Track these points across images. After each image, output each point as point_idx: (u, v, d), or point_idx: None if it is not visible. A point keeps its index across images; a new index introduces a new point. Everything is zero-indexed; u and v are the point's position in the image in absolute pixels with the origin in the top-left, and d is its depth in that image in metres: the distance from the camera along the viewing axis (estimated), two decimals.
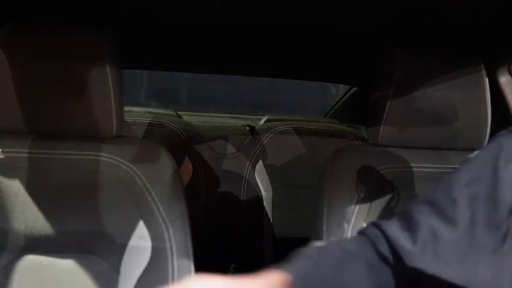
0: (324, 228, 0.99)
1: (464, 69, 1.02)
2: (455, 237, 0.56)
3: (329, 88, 2.94)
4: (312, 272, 0.59)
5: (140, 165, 0.96)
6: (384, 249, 0.61)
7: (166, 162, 0.99)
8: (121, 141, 0.99)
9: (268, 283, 0.55)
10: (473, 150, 1.00)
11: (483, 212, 0.57)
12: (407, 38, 1.10)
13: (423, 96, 1.01)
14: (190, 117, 2.08)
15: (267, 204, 1.66)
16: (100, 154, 0.96)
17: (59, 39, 0.93)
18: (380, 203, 1.00)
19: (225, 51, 1.48)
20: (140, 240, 0.93)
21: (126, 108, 1.52)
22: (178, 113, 2.09)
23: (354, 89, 2.04)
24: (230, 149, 1.74)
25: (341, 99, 2.21)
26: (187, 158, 1.68)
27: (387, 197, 1.01)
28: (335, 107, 2.25)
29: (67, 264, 0.93)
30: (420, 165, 1.04)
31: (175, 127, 1.72)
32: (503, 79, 1.15)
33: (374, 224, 0.65)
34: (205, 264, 0.91)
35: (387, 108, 1.01)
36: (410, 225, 0.60)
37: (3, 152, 0.94)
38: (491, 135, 1.02)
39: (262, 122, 1.93)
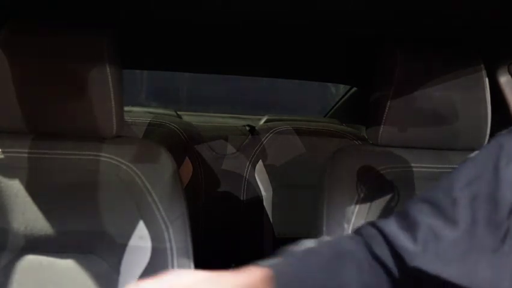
0: (324, 228, 0.99)
1: (464, 69, 1.02)
2: (455, 237, 0.56)
3: (329, 88, 2.94)
4: (295, 270, 0.58)
5: (140, 165, 0.96)
6: (380, 249, 0.61)
7: (166, 162, 0.99)
8: (121, 141, 0.99)
9: (249, 278, 0.55)
10: (473, 150, 1.00)
11: (483, 211, 0.57)
12: (407, 38, 1.10)
13: (423, 96, 1.01)
14: (190, 117, 2.08)
15: (267, 204, 1.66)
16: (100, 154, 0.96)
17: (59, 39, 0.93)
18: (380, 203, 1.00)
19: (225, 51, 1.48)
20: (140, 240, 0.93)
21: (126, 108, 1.52)
22: (178, 113, 2.09)
23: (354, 89, 2.04)
24: (230, 149, 1.74)
25: (341, 99, 2.21)
26: (187, 158, 1.68)
27: (387, 197, 1.01)
28: (335, 107, 2.25)
29: (67, 264, 0.93)
30: (420, 165, 1.04)
31: (175, 127, 1.72)
32: (503, 79, 1.15)
33: (371, 224, 0.65)
34: (205, 264, 0.91)
35: (387, 108, 1.01)
36: (409, 225, 0.60)
37: (3, 152, 0.94)
38: (491, 135, 1.02)
39: (262, 122, 1.93)
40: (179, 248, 0.94)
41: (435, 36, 1.13)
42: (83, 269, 0.93)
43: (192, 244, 0.96)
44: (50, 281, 0.92)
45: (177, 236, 0.94)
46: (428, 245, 0.57)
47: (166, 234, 0.93)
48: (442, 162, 1.04)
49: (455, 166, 0.63)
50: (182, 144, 1.69)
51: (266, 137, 1.70)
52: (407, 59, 1.02)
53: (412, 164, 1.04)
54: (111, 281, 0.92)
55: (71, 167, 0.95)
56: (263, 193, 1.67)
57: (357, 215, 0.99)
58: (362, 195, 1.00)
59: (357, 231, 0.66)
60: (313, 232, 1.03)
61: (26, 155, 0.95)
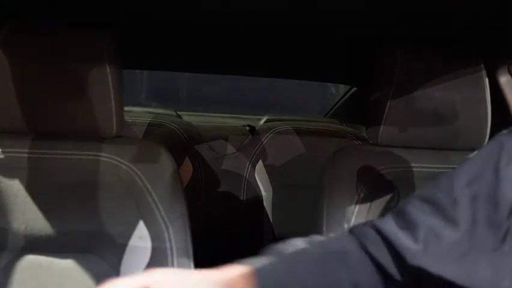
0: (324, 228, 0.99)
1: (464, 69, 1.02)
2: (456, 237, 0.56)
3: (329, 88, 2.94)
4: (278, 269, 0.58)
5: (140, 165, 0.96)
6: (376, 249, 0.60)
7: (166, 162, 0.99)
8: (121, 141, 0.99)
9: (229, 276, 0.55)
10: (473, 150, 1.00)
11: (484, 211, 0.57)
12: (407, 38, 1.10)
13: (423, 96, 1.01)
14: (190, 117, 2.08)
15: (267, 204, 1.66)
16: (100, 154, 0.96)
17: (59, 39, 0.93)
18: (380, 203, 1.00)
19: (225, 51, 1.48)
20: (140, 240, 0.93)
21: (126, 108, 1.52)
22: (178, 113, 2.09)
23: (354, 89, 2.04)
24: (230, 149, 1.74)
25: (341, 99, 2.21)
26: (187, 158, 1.68)
27: (387, 197, 1.01)
28: (335, 107, 2.25)
29: (67, 264, 0.93)
30: (420, 165, 1.04)
31: (175, 127, 1.72)
32: (503, 79, 1.15)
33: (366, 223, 0.64)
34: (205, 264, 0.91)
35: (387, 108, 1.01)
36: (408, 224, 0.59)
37: (3, 152, 0.94)
38: (491, 135, 1.02)
39: (262, 122, 1.93)
40: (179, 248, 0.94)
41: (435, 36, 1.13)
42: (83, 269, 0.93)
43: (192, 244, 0.96)
44: (50, 281, 0.92)
45: (177, 236, 0.94)
46: (429, 245, 0.57)
47: (166, 234, 0.93)
48: (442, 162, 1.04)
49: (455, 166, 0.63)
50: (182, 144, 1.69)
51: (266, 137, 1.70)
52: (407, 59, 1.02)
53: (412, 164, 1.04)
54: None
55: (71, 167, 0.95)
56: (263, 193, 1.67)
57: (357, 215, 0.99)
58: (362, 195, 1.00)
59: (351, 231, 0.65)
60: (313, 232, 1.03)
61: (26, 155, 0.95)
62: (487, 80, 1.03)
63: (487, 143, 0.63)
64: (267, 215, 1.65)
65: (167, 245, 0.93)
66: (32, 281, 0.92)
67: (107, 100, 0.94)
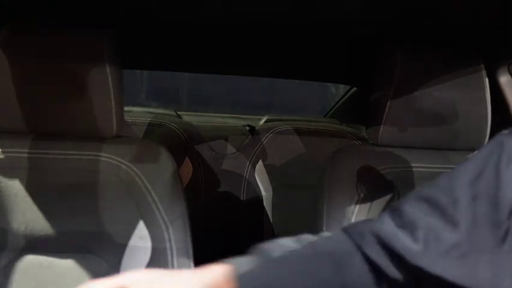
0: (324, 228, 0.99)
1: (464, 69, 1.02)
2: (456, 237, 0.56)
3: (329, 88, 2.94)
4: (261, 272, 0.58)
5: (140, 165, 0.96)
6: (372, 249, 0.60)
7: (166, 162, 0.99)
8: (121, 141, 0.99)
9: (209, 276, 0.55)
10: (473, 150, 1.00)
11: (484, 211, 0.56)
12: (407, 38, 1.10)
13: (423, 96, 1.01)
14: (190, 117, 2.08)
15: (267, 204, 1.66)
16: (100, 154, 0.96)
17: (59, 39, 0.93)
18: (380, 203, 1.00)
19: (225, 51, 1.48)
20: (140, 240, 0.93)
21: (126, 108, 1.52)
22: (178, 113, 2.09)
23: (354, 89, 2.04)
24: (230, 149, 1.74)
25: (341, 99, 2.21)
26: (187, 158, 1.68)
27: (387, 197, 1.01)
28: (335, 107, 2.25)
29: (67, 264, 0.93)
30: (420, 165, 1.04)
31: (175, 127, 1.72)
32: (503, 79, 1.15)
33: (363, 223, 0.64)
34: (205, 264, 0.91)
35: (387, 108, 1.01)
36: (407, 224, 0.59)
37: (3, 152, 0.94)
38: (491, 135, 1.02)
39: (262, 122, 1.93)
40: (179, 247, 0.94)
41: (435, 36, 1.13)
42: (83, 269, 0.93)
43: (192, 244, 0.96)
44: (50, 281, 0.92)
45: (177, 236, 0.94)
46: (429, 245, 0.57)
47: (166, 234, 0.93)
48: (442, 162, 1.04)
49: (455, 166, 0.63)
50: (182, 144, 1.69)
51: (266, 137, 1.70)
52: (407, 59, 1.02)
53: (412, 164, 1.04)
54: None
55: (71, 167, 0.95)
56: (263, 193, 1.67)
57: (357, 215, 0.99)
58: (362, 195, 1.00)
59: (345, 231, 0.64)
60: (313, 232, 1.03)
61: (26, 155, 0.95)
62: (487, 80, 1.03)
63: (487, 143, 0.63)
64: (267, 215, 1.65)
65: (167, 245, 0.93)
66: (32, 281, 0.92)
67: (107, 100, 0.94)
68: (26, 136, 0.96)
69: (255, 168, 1.69)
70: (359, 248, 0.60)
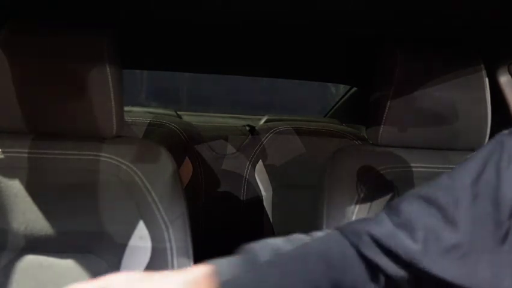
0: (324, 228, 0.99)
1: (464, 69, 1.02)
2: (456, 237, 0.56)
3: (329, 88, 2.94)
4: (242, 268, 0.57)
5: (140, 165, 0.96)
6: (370, 249, 0.59)
7: (166, 162, 0.99)
8: (121, 141, 0.99)
9: (189, 276, 0.55)
10: (473, 150, 1.00)
11: (484, 211, 0.56)
12: (407, 38, 1.10)
13: (423, 96, 1.01)
14: (190, 117, 2.08)
15: (267, 204, 1.66)
16: (100, 154, 0.96)
17: (59, 39, 0.93)
18: (380, 203, 1.00)
19: (225, 51, 1.48)
20: (140, 240, 0.93)
21: (126, 108, 1.52)
22: (178, 113, 2.09)
23: (354, 89, 2.04)
24: (230, 149, 1.74)
25: (341, 99, 2.21)
26: (187, 158, 1.68)
27: (387, 197, 1.01)
28: (335, 107, 2.25)
29: (67, 264, 0.93)
30: (420, 165, 1.04)
31: (175, 127, 1.72)
32: (503, 79, 1.15)
33: (360, 224, 0.63)
34: None
35: (387, 108, 1.01)
36: (406, 224, 0.59)
37: (3, 152, 0.94)
38: (491, 135, 1.02)
39: (262, 122, 1.93)
40: (179, 247, 0.94)
41: (435, 36, 1.13)
42: (83, 269, 0.93)
43: (192, 244, 0.96)
44: (50, 281, 0.92)
45: (177, 236, 0.94)
46: (429, 245, 0.57)
47: (166, 234, 0.93)
48: (442, 162, 1.04)
49: (455, 166, 0.63)
50: (182, 144, 1.69)
51: (266, 137, 1.70)
52: (407, 59, 1.02)
53: (412, 164, 1.04)
54: None
55: (71, 167, 0.95)
56: (263, 193, 1.67)
57: (357, 215, 0.99)
58: (362, 195, 1.00)
59: (340, 230, 0.63)
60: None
61: (26, 155, 0.95)
62: (487, 80, 1.03)
63: (487, 143, 0.63)
64: (267, 215, 1.65)
65: (167, 245, 0.93)
66: (32, 281, 0.92)
67: (107, 100, 0.94)
68: (26, 136, 0.96)
69: (255, 168, 1.69)
70: (356, 249, 0.60)
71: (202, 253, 1.03)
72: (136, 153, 0.97)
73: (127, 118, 1.59)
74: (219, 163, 1.72)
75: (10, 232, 0.92)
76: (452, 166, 1.02)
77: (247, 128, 1.86)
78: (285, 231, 0.64)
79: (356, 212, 0.99)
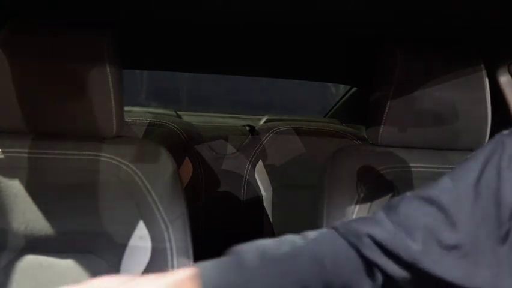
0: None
1: (464, 69, 1.02)
2: (456, 237, 0.56)
3: (329, 88, 2.94)
4: (227, 270, 0.57)
5: (140, 165, 0.96)
6: (371, 251, 0.59)
7: (166, 162, 0.99)
8: (121, 141, 0.99)
9: (173, 279, 0.55)
10: (473, 150, 1.00)
11: (485, 212, 0.56)
12: (407, 38, 1.10)
13: (423, 96, 1.01)
14: (190, 117, 2.08)
15: (267, 204, 1.66)
16: (100, 154, 0.96)
17: (59, 39, 0.93)
18: (380, 203, 1.00)
19: (225, 51, 1.48)
20: (140, 240, 0.93)
21: (126, 108, 1.52)
22: (178, 113, 2.09)
23: (354, 89, 2.04)
24: (230, 149, 1.74)
25: (341, 99, 2.21)
26: (187, 158, 1.68)
27: (387, 197, 1.01)
28: (335, 107, 2.25)
29: (67, 264, 0.93)
30: (420, 165, 1.04)
31: (175, 127, 1.72)
32: (503, 79, 1.15)
33: (356, 222, 0.63)
34: None
35: (387, 108, 1.01)
36: (406, 224, 0.59)
37: (3, 152, 0.94)
38: (491, 135, 1.02)
39: (262, 122, 1.93)
40: (179, 247, 0.94)
41: (435, 36, 1.13)
42: (83, 269, 0.93)
43: (192, 244, 0.96)
44: (50, 281, 0.92)
45: (177, 236, 0.94)
46: (429, 245, 0.57)
47: (166, 234, 0.93)
48: (442, 162, 1.04)
49: (454, 166, 0.63)
50: (182, 144, 1.69)
51: (266, 137, 1.70)
52: (407, 59, 1.02)
53: (412, 164, 1.04)
54: None
55: (71, 167, 0.95)
56: (263, 193, 1.67)
57: (357, 215, 0.99)
58: (362, 195, 1.00)
59: (338, 231, 0.63)
60: None
61: (26, 155, 0.95)
62: (487, 80, 1.03)
63: (488, 143, 0.63)
64: (267, 215, 1.65)
65: (167, 245, 0.93)
66: (32, 281, 0.92)
67: (107, 100, 0.94)
68: (26, 136, 0.96)
69: (255, 168, 1.69)
70: (357, 250, 0.60)
71: (202, 253, 1.03)
72: (136, 153, 0.97)
73: (127, 118, 1.59)
74: (219, 163, 1.72)
75: (10, 232, 0.92)
76: (452, 166, 1.02)
77: (247, 128, 1.86)
78: (285, 231, 0.64)
79: (356, 212, 0.99)
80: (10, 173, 0.93)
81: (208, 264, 0.58)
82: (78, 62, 0.92)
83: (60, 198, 0.94)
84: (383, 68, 1.05)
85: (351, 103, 2.09)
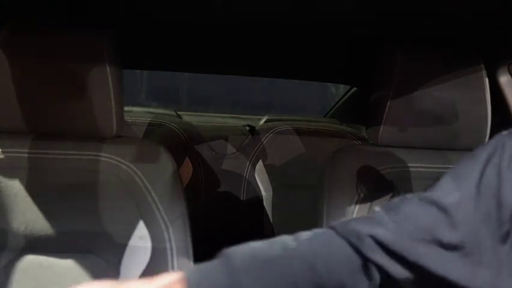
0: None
1: (464, 69, 1.02)
2: (457, 237, 0.56)
3: (329, 88, 2.94)
4: (216, 272, 0.57)
5: (140, 165, 0.96)
6: (374, 252, 0.59)
7: (166, 162, 0.99)
8: (121, 141, 0.99)
9: (161, 283, 0.55)
10: (472, 150, 1.00)
11: (485, 212, 0.57)
12: (407, 38, 1.10)
13: (423, 96, 1.01)
14: (190, 117, 2.08)
15: (267, 204, 1.66)
16: (100, 154, 0.96)
17: (59, 39, 0.93)
18: (380, 203, 1.00)
19: (225, 51, 1.48)
20: (140, 240, 0.93)
21: (126, 108, 1.52)
22: (178, 113, 2.09)
23: (354, 89, 2.04)
24: (230, 149, 1.74)
25: (341, 99, 2.21)
26: (187, 158, 1.68)
27: (387, 197, 1.01)
28: (335, 107, 2.25)
29: (67, 264, 0.93)
30: (420, 165, 1.04)
31: (175, 127, 1.72)
32: (503, 79, 1.15)
33: (355, 222, 0.62)
34: None
35: (387, 108, 1.01)
36: (407, 224, 0.59)
37: (3, 152, 0.94)
38: (491, 135, 1.02)
39: (262, 122, 1.93)
40: (179, 247, 0.94)
41: (435, 36, 1.13)
42: (83, 269, 0.93)
43: (192, 244, 0.96)
44: (50, 281, 0.92)
45: (177, 236, 0.94)
46: (431, 245, 0.57)
47: (166, 234, 0.93)
48: (442, 162, 1.04)
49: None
50: (182, 144, 1.69)
51: (266, 137, 1.70)
52: (407, 59, 1.02)
53: (412, 164, 1.04)
54: None
55: (71, 167, 0.95)
56: (263, 193, 1.67)
57: (357, 215, 0.99)
58: (362, 195, 1.00)
59: (336, 231, 0.63)
60: None
61: (26, 155, 0.95)
62: (487, 80, 1.03)
63: (488, 143, 0.63)
64: (267, 215, 1.65)
65: (167, 245, 0.93)
66: (32, 281, 0.92)
67: (107, 100, 0.94)
68: (26, 136, 0.96)
69: (255, 168, 1.69)
70: (356, 250, 0.60)
71: (202, 253, 1.03)
72: (136, 153, 0.97)
73: (127, 118, 1.59)
74: (219, 163, 1.72)
75: (10, 232, 0.92)
76: (451, 166, 1.02)
77: (247, 128, 1.86)
78: (285, 231, 0.64)
79: (356, 212, 0.99)
80: (10, 173, 0.93)
81: (196, 268, 0.58)
82: (78, 62, 0.92)
83: (60, 198, 0.94)
84: (383, 68, 1.05)
85: (351, 103, 2.09)
